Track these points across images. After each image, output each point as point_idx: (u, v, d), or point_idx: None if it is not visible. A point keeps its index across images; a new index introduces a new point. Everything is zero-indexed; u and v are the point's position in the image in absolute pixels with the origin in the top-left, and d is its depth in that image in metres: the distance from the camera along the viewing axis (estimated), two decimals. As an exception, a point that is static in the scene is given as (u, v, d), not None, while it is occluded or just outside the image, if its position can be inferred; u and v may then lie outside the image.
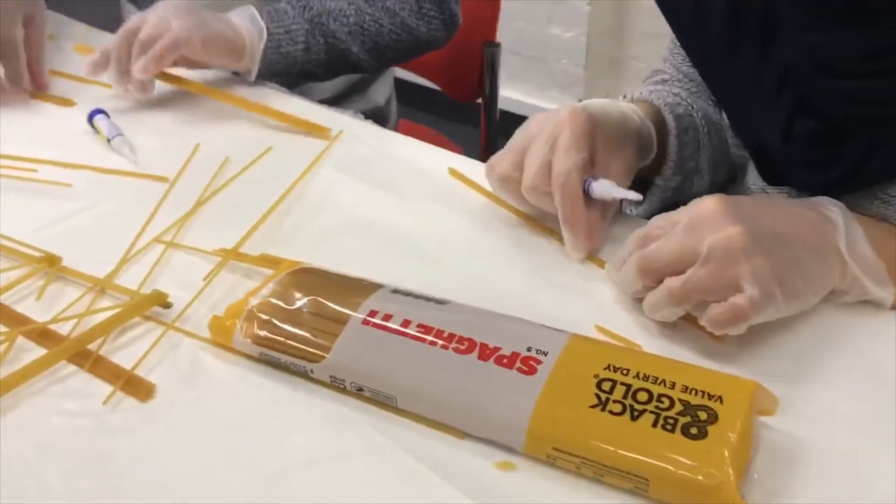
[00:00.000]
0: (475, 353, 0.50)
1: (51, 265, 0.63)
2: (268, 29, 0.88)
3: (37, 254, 0.64)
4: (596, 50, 2.13)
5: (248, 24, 0.88)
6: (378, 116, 1.11)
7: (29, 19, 0.89)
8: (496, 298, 0.55)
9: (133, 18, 0.85)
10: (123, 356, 0.55)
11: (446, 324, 0.52)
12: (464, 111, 1.54)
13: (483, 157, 1.21)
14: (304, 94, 0.91)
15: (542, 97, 2.27)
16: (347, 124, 0.83)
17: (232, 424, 0.51)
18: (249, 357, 0.55)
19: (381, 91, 1.14)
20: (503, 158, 0.64)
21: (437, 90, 1.39)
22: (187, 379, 0.54)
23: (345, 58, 0.95)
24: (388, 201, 0.71)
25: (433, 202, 0.71)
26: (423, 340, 0.51)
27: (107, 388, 0.53)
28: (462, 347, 0.50)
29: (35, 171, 0.75)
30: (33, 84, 0.90)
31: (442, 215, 0.69)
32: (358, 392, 0.51)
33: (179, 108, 0.88)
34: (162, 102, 0.88)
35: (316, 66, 0.93)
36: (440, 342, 0.50)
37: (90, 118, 0.83)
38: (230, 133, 0.83)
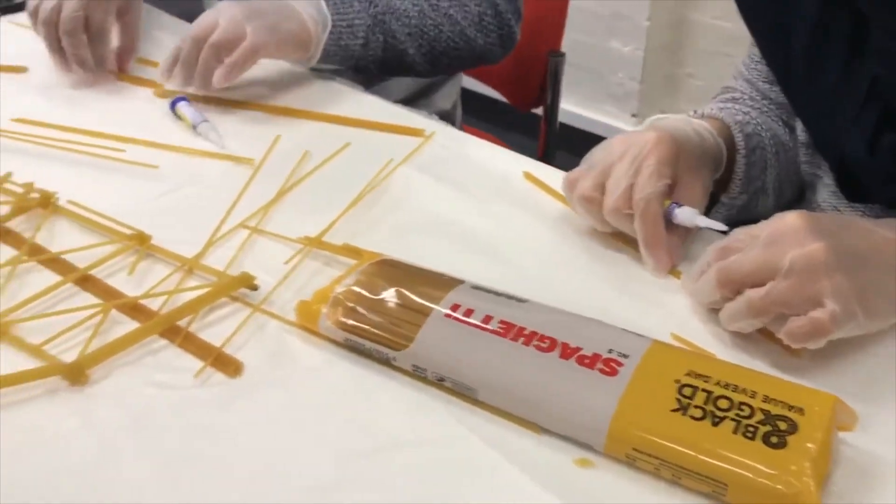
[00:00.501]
0: (557, 352, 0.51)
1: (141, 243, 0.65)
2: (332, 20, 0.88)
3: (127, 231, 0.66)
4: (652, 65, 2.13)
5: (313, 12, 0.87)
6: (443, 120, 1.12)
7: (124, 9, 0.92)
8: (570, 303, 0.56)
9: (202, 21, 0.85)
10: (211, 334, 0.57)
11: (527, 322, 0.53)
12: (518, 120, 1.55)
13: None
14: (377, 95, 0.93)
15: (596, 110, 2.27)
16: (423, 125, 0.84)
17: (316, 404, 0.52)
18: (334, 342, 0.56)
19: (448, 96, 1.15)
20: (584, 178, 0.64)
21: (494, 98, 1.39)
22: (274, 359, 0.55)
23: (400, 58, 0.95)
24: (463, 201, 0.73)
25: (508, 205, 0.72)
26: (505, 336, 0.52)
27: (195, 364, 0.55)
28: (544, 345, 0.51)
29: (123, 150, 0.78)
30: (118, 68, 0.94)
31: (516, 218, 0.71)
32: (439, 382, 0.53)
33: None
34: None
35: (371, 62, 0.94)
36: (521, 339, 0.52)
37: (172, 106, 0.86)
38: (309, 127, 0.85)
